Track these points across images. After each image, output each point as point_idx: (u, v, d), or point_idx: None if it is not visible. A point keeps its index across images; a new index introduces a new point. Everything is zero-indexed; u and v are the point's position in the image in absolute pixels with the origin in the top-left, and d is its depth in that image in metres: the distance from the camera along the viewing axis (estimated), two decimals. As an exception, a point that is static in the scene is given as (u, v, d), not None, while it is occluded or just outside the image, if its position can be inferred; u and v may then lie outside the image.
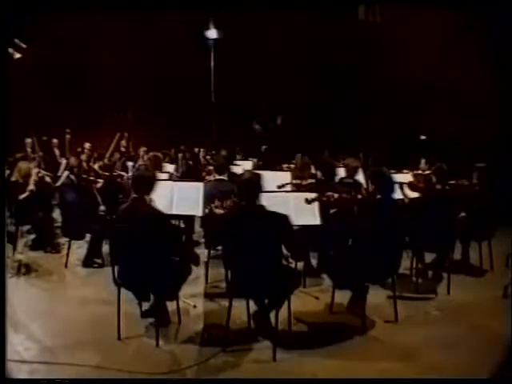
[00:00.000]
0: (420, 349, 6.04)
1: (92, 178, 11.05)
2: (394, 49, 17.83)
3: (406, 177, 9.54)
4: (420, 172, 10.74)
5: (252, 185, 6.03)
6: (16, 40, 18.37)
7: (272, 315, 6.19)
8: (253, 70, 19.37)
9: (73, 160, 10.73)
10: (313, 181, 9.15)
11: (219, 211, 6.94)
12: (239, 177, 6.59)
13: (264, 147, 17.38)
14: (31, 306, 7.77)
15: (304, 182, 9.09)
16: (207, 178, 9.57)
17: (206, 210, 7.47)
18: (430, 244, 8.09)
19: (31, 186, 10.64)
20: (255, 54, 19.43)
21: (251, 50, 19.38)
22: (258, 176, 6.16)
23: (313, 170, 9.66)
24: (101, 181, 10.91)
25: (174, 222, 8.73)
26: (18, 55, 12.99)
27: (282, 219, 5.91)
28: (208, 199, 7.68)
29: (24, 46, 12.54)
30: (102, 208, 9.99)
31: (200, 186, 8.15)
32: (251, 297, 6.35)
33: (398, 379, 5.57)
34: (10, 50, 12.00)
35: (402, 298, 7.12)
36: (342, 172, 9.40)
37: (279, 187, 8.52)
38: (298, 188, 8.86)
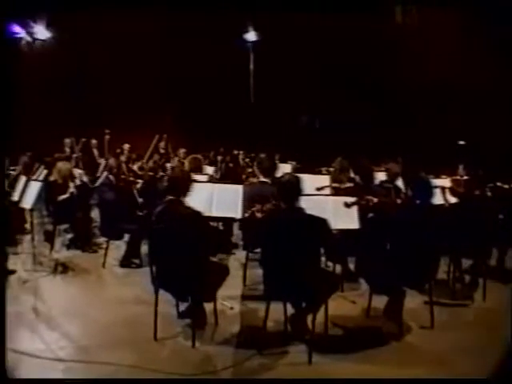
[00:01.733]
0: (455, 356, 6.05)
1: (131, 179, 11.22)
2: (431, 51, 17.79)
3: (444, 182, 9.52)
4: (458, 177, 10.72)
5: (292, 187, 6.10)
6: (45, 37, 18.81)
7: (308, 318, 6.25)
8: (291, 72, 19.37)
9: (112, 161, 10.90)
10: (351, 184, 9.21)
11: (259, 214, 7.03)
12: (279, 179, 6.64)
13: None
14: (67, 305, 7.93)
15: (343, 186, 9.15)
16: (251, 179, 9.61)
17: (246, 214, 7.58)
18: (466, 250, 8.08)
19: (72, 189, 10.84)
20: (294, 56, 19.44)
21: (290, 52, 19.38)
22: (298, 178, 6.20)
23: (351, 174, 9.68)
24: (140, 181, 11.07)
25: (213, 223, 8.85)
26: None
27: (321, 223, 5.95)
28: (249, 202, 7.79)
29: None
30: (141, 208, 10.14)
31: (239, 188, 8.22)
32: (289, 300, 6.38)
33: (398, 379, 5.65)
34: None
35: (438, 304, 7.12)
36: (382, 176, 9.46)
37: (318, 189, 8.57)
38: (336, 191, 8.90)
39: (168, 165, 13.75)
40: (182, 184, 6.58)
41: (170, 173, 9.01)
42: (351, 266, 8.40)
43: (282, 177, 6.65)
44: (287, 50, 19.35)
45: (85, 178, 12.58)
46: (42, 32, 18.77)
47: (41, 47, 19.08)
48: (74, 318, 7.35)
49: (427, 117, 18.13)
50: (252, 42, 21.39)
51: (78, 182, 11.63)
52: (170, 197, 6.47)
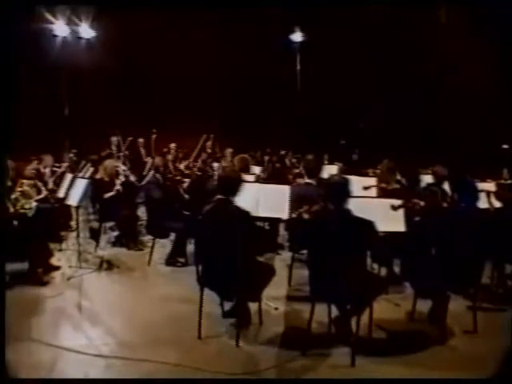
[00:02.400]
0: (497, 360, 6.00)
1: (178, 178, 11.31)
2: (472, 55, 17.61)
3: (489, 186, 9.43)
4: (503, 181, 10.62)
5: (340, 189, 6.09)
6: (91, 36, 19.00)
7: (353, 321, 6.28)
8: (338, 73, 19.32)
9: (158, 159, 10.99)
10: (398, 186, 9.20)
11: (306, 215, 7.04)
12: (328, 180, 6.63)
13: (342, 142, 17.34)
14: (111, 302, 8.08)
15: (390, 187, 9.14)
16: (298, 180, 9.62)
17: (294, 214, 7.60)
18: (510, 255, 7.99)
19: (118, 186, 10.98)
20: (340, 57, 19.38)
21: (336, 53, 19.33)
22: (347, 180, 6.20)
23: (398, 176, 9.66)
24: (187, 180, 11.15)
25: (259, 223, 8.88)
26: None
27: (368, 225, 5.93)
28: (295, 203, 7.81)
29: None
30: (187, 207, 10.22)
31: (286, 189, 8.21)
32: (333, 301, 6.39)
33: (398, 379, 5.65)
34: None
35: (481, 309, 7.06)
36: (428, 179, 9.43)
37: (365, 188, 8.57)
38: (383, 192, 8.91)
39: (215, 164, 13.79)
40: (233, 184, 6.61)
41: (221, 172, 9.05)
42: (396, 269, 8.38)
43: (330, 178, 6.65)
44: (334, 50, 19.30)
45: (131, 177, 12.72)
46: (86, 31, 18.93)
47: (86, 46, 19.26)
48: (117, 314, 7.48)
49: (473, 120, 17.91)
50: (298, 42, 21.39)
51: (123, 180, 11.78)
52: (220, 196, 6.50)
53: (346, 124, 19.49)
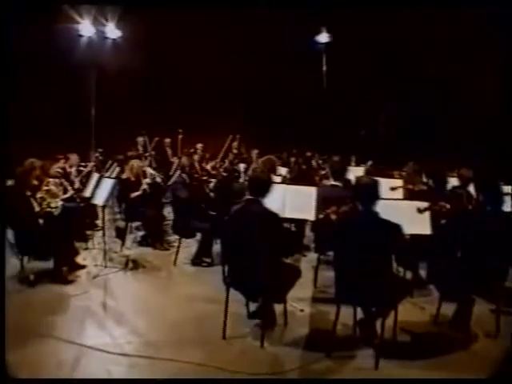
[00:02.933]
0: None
1: (204, 178, 11.36)
2: (498, 55, 17.44)
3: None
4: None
5: (370, 190, 6.09)
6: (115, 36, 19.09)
7: (377, 323, 6.28)
8: (363, 73, 19.25)
9: (185, 159, 11.03)
10: (424, 187, 9.19)
11: (334, 216, 7.05)
12: (358, 181, 6.62)
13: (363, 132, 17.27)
14: (136, 301, 8.16)
15: (416, 188, 9.13)
16: (324, 182, 9.61)
17: (321, 215, 7.61)
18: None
19: (144, 186, 11.06)
20: (366, 58, 19.33)
21: (362, 54, 19.28)
22: (376, 182, 6.20)
23: (424, 179, 9.65)
24: (213, 181, 11.19)
25: (285, 225, 8.89)
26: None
27: (395, 228, 5.90)
28: (322, 204, 7.82)
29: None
30: (214, 208, 10.26)
31: (313, 190, 8.22)
32: (359, 304, 6.42)
33: (398, 379, 5.69)
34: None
35: (504, 313, 7.02)
36: (454, 181, 9.41)
37: (392, 189, 8.57)
38: (410, 193, 8.90)
39: (241, 165, 13.82)
40: (263, 185, 6.60)
41: (251, 173, 9.07)
42: (422, 273, 8.35)
43: (360, 179, 6.64)
44: (360, 51, 19.26)
45: (157, 177, 12.79)
46: (112, 31, 19.02)
47: (112, 46, 19.34)
48: (142, 314, 7.54)
49: (499, 121, 17.72)
50: (324, 43, 21.40)
51: (150, 180, 11.84)
52: (249, 196, 6.52)
53: (371, 123, 19.41)
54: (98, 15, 18.17)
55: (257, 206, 6.44)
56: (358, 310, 6.61)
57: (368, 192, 6.09)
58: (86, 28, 18.00)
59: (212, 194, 10.88)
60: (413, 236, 7.09)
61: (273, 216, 6.37)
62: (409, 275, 8.20)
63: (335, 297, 6.31)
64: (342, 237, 6.17)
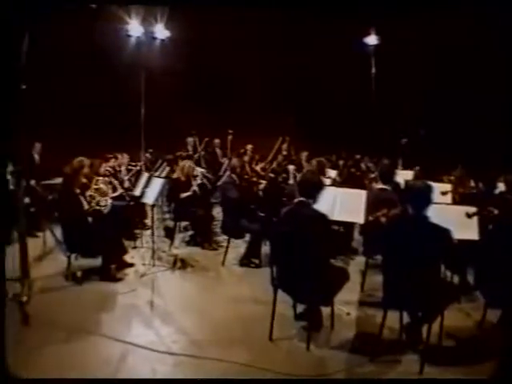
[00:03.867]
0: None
1: (254, 179, 11.39)
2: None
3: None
4: None
5: (423, 194, 6.04)
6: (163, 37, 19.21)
7: (423, 328, 6.26)
8: (412, 76, 19.07)
9: (235, 160, 11.08)
10: (473, 191, 9.12)
11: (384, 219, 7.03)
12: (411, 185, 6.58)
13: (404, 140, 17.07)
14: (183, 300, 8.24)
15: (465, 193, 9.07)
16: (373, 185, 9.59)
17: (370, 218, 7.60)
18: None
19: (194, 187, 11.14)
20: (415, 60, 19.14)
21: (411, 56, 19.09)
22: (429, 186, 6.15)
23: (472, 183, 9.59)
24: (263, 182, 11.22)
25: (334, 227, 8.89)
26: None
27: (445, 232, 5.85)
28: (371, 207, 7.81)
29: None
30: (263, 209, 10.29)
31: (363, 193, 8.27)
32: (406, 308, 6.40)
33: (398, 379, 5.70)
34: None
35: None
36: (502, 187, 9.33)
37: (443, 194, 8.51)
38: (460, 197, 8.83)
39: (290, 167, 13.82)
40: (314, 187, 6.60)
41: (302, 175, 9.09)
42: (470, 278, 8.29)
43: (413, 183, 6.61)
44: (409, 53, 19.09)
45: (207, 177, 12.87)
46: (161, 31, 19.10)
47: (161, 46, 19.44)
48: (189, 313, 7.61)
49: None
50: (373, 45, 21.30)
51: (199, 180, 11.92)
52: (300, 198, 6.51)
53: (417, 128, 19.19)
54: (147, 16, 18.28)
55: (307, 208, 6.44)
56: (404, 314, 6.59)
57: (421, 196, 6.05)
58: (134, 28, 18.10)
59: (261, 195, 10.89)
60: (461, 241, 7.02)
61: (322, 218, 6.37)
62: (456, 280, 8.15)
63: (382, 301, 6.33)
64: (391, 240, 6.14)
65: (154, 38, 19.12)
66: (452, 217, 6.95)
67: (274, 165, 15.00)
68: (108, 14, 16.90)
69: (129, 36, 18.27)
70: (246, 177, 11.26)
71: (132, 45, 18.56)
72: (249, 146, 16.18)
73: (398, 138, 17.31)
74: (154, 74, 18.94)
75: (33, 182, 12.66)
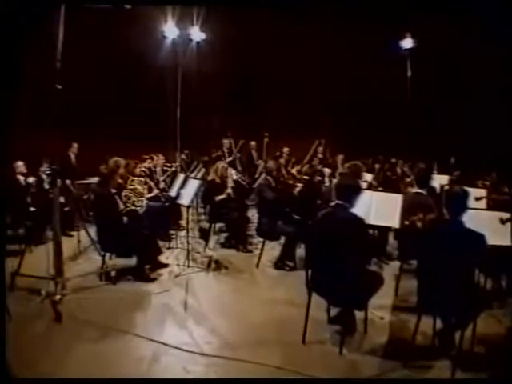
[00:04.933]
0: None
1: (290, 182, 11.40)
2: None
3: None
4: None
5: (460, 200, 6.05)
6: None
7: (456, 334, 6.21)
8: (448, 79, 18.91)
9: (271, 163, 11.10)
10: (508, 197, 9.07)
11: (420, 224, 7.01)
12: (448, 190, 6.56)
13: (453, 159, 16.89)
14: (217, 301, 8.27)
15: (500, 198, 9.02)
16: (409, 189, 9.56)
17: (406, 222, 7.58)
18: None
19: (229, 190, 11.19)
20: (451, 64, 18.98)
21: (447, 60, 18.95)
22: (466, 192, 6.15)
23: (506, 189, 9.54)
24: (299, 185, 11.22)
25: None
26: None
27: (480, 238, 5.82)
28: (406, 212, 7.79)
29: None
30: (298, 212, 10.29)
31: (399, 197, 8.22)
32: (439, 314, 6.37)
33: (398, 379, 5.71)
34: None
35: None
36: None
37: (477, 199, 8.47)
38: (494, 203, 8.79)
39: (326, 170, 13.82)
40: (351, 190, 6.62)
41: (339, 178, 9.09)
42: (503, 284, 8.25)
43: (451, 188, 6.61)
44: (445, 57, 18.96)
45: (243, 179, 12.91)
46: (197, 33, 19.13)
47: (196, 48, 19.50)
48: (222, 314, 7.66)
49: None
50: (408, 49, 21.20)
51: (234, 184, 11.97)
52: (337, 202, 6.52)
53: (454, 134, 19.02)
54: (182, 17, 18.34)
55: (344, 211, 6.44)
56: (438, 319, 6.55)
57: (458, 201, 6.05)
58: (170, 30, 18.17)
59: (297, 198, 10.89)
60: (495, 247, 6.98)
61: (359, 222, 6.38)
62: (489, 286, 8.09)
63: (417, 306, 6.33)
64: (427, 245, 6.13)
65: (190, 40, 19.18)
66: (486, 222, 6.90)
67: (306, 167, 14.99)
68: (143, 14, 17.02)
69: (164, 37, 18.36)
70: (282, 179, 11.29)
71: (167, 46, 18.66)
72: (285, 149, 16.20)
73: (448, 156, 17.12)
74: (189, 75, 19.03)
75: (68, 182, 12.81)
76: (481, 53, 17.88)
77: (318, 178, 13.42)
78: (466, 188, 6.31)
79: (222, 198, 11.25)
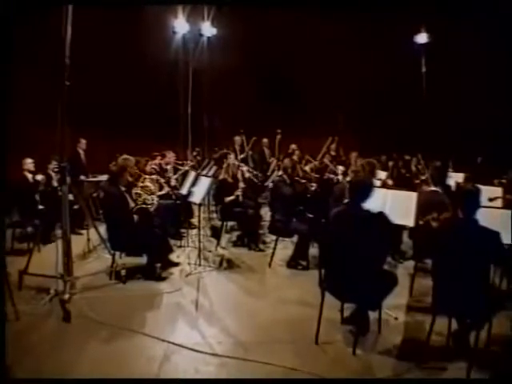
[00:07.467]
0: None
1: (303, 180, 11.39)
2: None
3: None
4: None
5: (473, 198, 6.03)
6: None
7: (471, 335, 6.20)
8: (464, 75, 18.80)
9: (286, 161, 11.09)
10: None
11: (435, 223, 6.99)
12: (460, 188, 6.55)
13: (479, 159, 16.79)
14: (229, 301, 8.28)
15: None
16: (424, 187, 9.53)
17: (421, 222, 7.56)
18: None
19: (239, 191, 11.18)
20: (467, 59, 18.89)
21: (463, 55, 18.84)
22: (479, 190, 6.13)
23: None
24: (314, 184, 11.21)
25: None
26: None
27: (495, 236, 5.81)
28: (421, 210, 7.77)
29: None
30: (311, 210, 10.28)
31: (413, 195, 8.21)
32: (454, 315, 6.35)
33: (398, 379, 5.70)
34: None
35: None
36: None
37: (490, 200, 8.44)
38: (509, 203, 8.75)
39: (339, 167, 13.79)
40: (366, 188, 6.61)
41: (353, 176, 9.09)
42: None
43: (463, 186, 6.59)
44: (460, 52, 18.87)
45: (255, 174, 12.92)
46: (208, 29, 19.10)
47: (207, 44, 19.47)
48: (234, 314, 7.67)
49: None
50: (423, 44, 21.12)
51: (246, 180, 11.97)
52: (350, 200, 6.55)
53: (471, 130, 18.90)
54: (193, 13, 18.33)
55: (358, 209, 6.46)
56: (453, 320, 6.53)
57: (471, 199, 6.03)
58: (180, 25, 18.15)
59: (310, 196, 10.87)
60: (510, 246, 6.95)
61: (380, 216, 6.42)
62: (504, 287, 8.06)
63: (432, 306, 6.30)
64: (442, 244, 6.10)
65: (201, 36, 19.17)
66: (501, 221, 6.88)
67: (317, 163, 14.96)
68: (154, 10, 17.04)
69: (175, 33, 18.35)
70: (297, 178, 11.28)
71: (178, 42, 18.65)
72: (292, 146, 16.21)
73: (475, 156, 17.03)
74: (200, 71, 19.03)
75: (83, 177, 12.88)
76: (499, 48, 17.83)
77: (331, 175, 13.42)
78: (478, 186, 6.29)
79: (231, 200, 11.25)
